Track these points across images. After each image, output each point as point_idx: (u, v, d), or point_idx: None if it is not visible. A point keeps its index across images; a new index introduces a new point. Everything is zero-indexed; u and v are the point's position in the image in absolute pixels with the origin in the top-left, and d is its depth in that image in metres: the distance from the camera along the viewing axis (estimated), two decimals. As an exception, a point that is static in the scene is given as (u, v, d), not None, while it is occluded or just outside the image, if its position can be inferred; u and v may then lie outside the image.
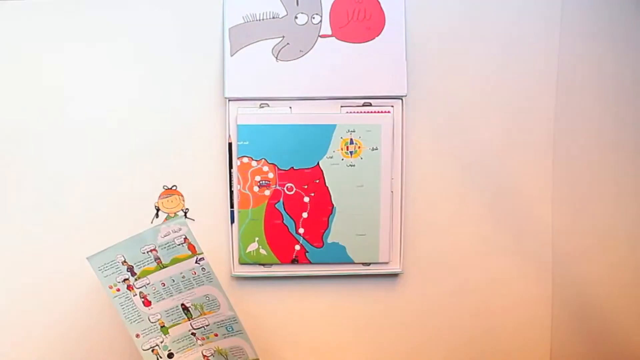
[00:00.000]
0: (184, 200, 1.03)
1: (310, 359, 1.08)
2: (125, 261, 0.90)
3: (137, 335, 0.92)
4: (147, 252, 0.91)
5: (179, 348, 0.94)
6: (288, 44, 0.98)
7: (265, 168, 0.98)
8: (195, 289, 0.93)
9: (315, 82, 1.00)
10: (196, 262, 0.91)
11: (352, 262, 1.02)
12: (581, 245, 1.09)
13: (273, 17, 0.98)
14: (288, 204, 1.00)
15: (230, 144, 1.00)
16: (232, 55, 0.98)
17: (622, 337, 1.07)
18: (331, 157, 0.98)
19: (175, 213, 1.03)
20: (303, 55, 0.99)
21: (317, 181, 0.99)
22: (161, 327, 0.94)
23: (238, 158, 0.98)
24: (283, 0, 0.98)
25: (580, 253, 1.09)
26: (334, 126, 0.97)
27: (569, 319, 1.09)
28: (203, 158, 1.03)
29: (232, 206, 1.01)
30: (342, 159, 0.98)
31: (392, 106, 1.01)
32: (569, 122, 1.07)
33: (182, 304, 0.93)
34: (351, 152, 0.98)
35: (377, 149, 0.98)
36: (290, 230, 1.01)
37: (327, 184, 0.99)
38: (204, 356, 0.95)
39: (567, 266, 1.09)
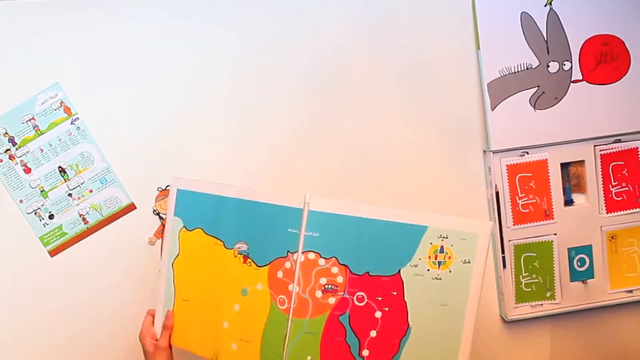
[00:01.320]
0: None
1: None
2: (6, 133, 0.98)
3: (21, 201, 1.00)
4: (26, 121, 0.98)
5: (58, 209, 1.00)
6: (544, 92, 1.01)
7: (335, 269, 0.83)
8: (70, 149, 0.99)
9: (568, 126, 1.02)
10: (71, 123, 0.98)
11: None
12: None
13: (527, 68, 1.01)
14: (355, 318, 0.81)
15: (497, 193, 1.02)
16: (492, 110, 1.01)
17: (622, 336, 1.08)
18: (415, 266, 0.80)
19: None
20: (558, 102, 1.02)
21: (395, 293, 0.80)
22: (41, 191, 1.00)
23: (303, 253, 0.81)
24: (535, 50, 1.01)
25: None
26: (424, 228, 0.80)
27: (569, 318, 1.07)
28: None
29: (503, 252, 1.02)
30: (428, 270, 0.80)
31: (641, 140, 1.04)
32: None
33: (59, 167, 0.99)
34: (439, 263, 0.81)
35: (469, 262, 0.78)
36: (352, 350, 0.81)
37: (405, 298, 0.80)
38: (80, 215, 1.01)
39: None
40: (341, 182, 1.03)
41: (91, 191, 1.01)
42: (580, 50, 1.01)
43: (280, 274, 0.83)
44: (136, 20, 0.99)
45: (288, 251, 0.83)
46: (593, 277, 1.05)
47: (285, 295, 0.83)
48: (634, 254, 1.06)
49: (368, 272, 0.81)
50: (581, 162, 1.04)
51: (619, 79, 1.02)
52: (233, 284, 0.86)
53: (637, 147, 1.04)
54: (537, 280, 1.03)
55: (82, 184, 1.01)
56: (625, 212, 1.05)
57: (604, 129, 1.03)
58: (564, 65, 1.01)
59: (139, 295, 1.03)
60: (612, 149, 1.04)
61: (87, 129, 1.00)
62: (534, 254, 1.03)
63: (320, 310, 0.82)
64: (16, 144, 1.00)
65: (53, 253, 1.02)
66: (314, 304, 0.82)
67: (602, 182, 1.05)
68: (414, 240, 0.80)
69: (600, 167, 1.04)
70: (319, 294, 0.82)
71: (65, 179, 1.01)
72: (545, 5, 0.99)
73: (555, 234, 1.02)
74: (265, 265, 0.84)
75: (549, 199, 1.04)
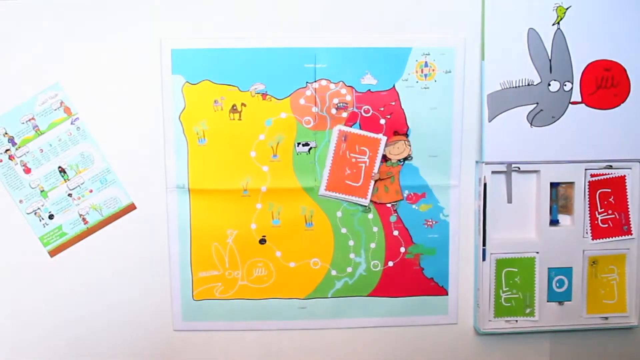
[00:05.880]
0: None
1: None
2: (6, 133, 0.98)
3: (21, 201, 1.00)
4: (26, 121, 0.98)
5: (58, 210, 1.00)
6: (542, 110, 1.01)
7: (343, 90, 0.99)
8: (70, 149, 0.99)
9: (562, 146, 1.03)
10: (71, 123, 0.98)
11: (425, 184, 1.01)
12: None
13: (528, 84, 1.01)
14: (365, 126, 0.99)
15: (484, 204, 1.02)
16: (490, 121, 1.01)
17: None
18: (406, 80, 0.99)
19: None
20: (555, 122, 1.02)
21: (393, 103, 0.99)
22: (41, 191, 1.00)
23: (316, 81, 0.98)
24: (538, 68, 1.01)
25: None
26: (409, 49, 0.98)
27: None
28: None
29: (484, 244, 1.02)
30: (417, 82, 0.99)
31: (630, 168, 1.05)
32: None
33: (59, 167, 0.99)
34: (426, 75, 0.99)
35: (450, 71, 0.99)
36: None
37: (402, 106, 0.99)
38: (80, 215, 1.00)
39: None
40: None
41: (91, 191, 1.01)
42: (583, 72, 1.02)
43: (302, 101, 0.98)
44: (136, 20, 0.97)
45: (307, 82, 0.98)
46: (570, 300, 1.05)
47: (310, 116, 0.99)
48: (613, 281, 1.06)
49: (370, 90, 0.98)
50: (570, 184, 1.04)
51: (617, 106, 1.03)
52: (255, 118, 0.98)
53: (625, 175, 1.04)
54: (517, 295, 1.03)
55: (82, 184, 1.00)
56: (610, 239, 1.05)
57: (597, 153, 1.04)
58: (565, 85, 1.01)
59: (139, 295, 1.03)
60: (602, 174, 1.04)
61: (87, 129, 0.99)
62: (516, 269, 1.03)
63: (337, 123, 0.99)
64: (16, 144, 0.99)
65: (53, 253, 1.01)
66: (331, 119, 0.99)
67: (588, 207, 1.05)
68: (402, 59, 0.98)
69: (588, 193, 1.04)
70: (333, 111, 0.99)
71: (65, 179, 1.00)
72: (553, 24, 1.00)
73: (537, 252, 1.02)
74: (286, 97, 0.98)
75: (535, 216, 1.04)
